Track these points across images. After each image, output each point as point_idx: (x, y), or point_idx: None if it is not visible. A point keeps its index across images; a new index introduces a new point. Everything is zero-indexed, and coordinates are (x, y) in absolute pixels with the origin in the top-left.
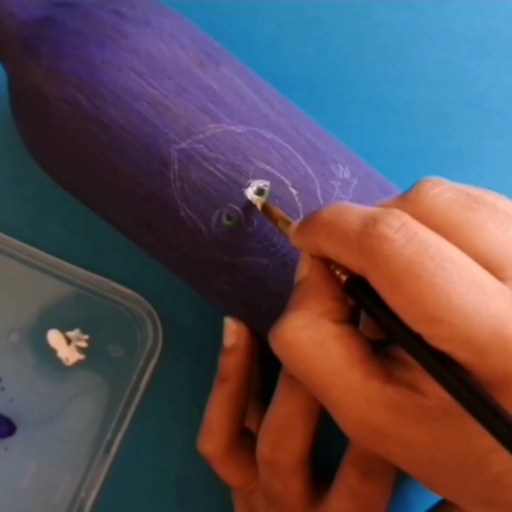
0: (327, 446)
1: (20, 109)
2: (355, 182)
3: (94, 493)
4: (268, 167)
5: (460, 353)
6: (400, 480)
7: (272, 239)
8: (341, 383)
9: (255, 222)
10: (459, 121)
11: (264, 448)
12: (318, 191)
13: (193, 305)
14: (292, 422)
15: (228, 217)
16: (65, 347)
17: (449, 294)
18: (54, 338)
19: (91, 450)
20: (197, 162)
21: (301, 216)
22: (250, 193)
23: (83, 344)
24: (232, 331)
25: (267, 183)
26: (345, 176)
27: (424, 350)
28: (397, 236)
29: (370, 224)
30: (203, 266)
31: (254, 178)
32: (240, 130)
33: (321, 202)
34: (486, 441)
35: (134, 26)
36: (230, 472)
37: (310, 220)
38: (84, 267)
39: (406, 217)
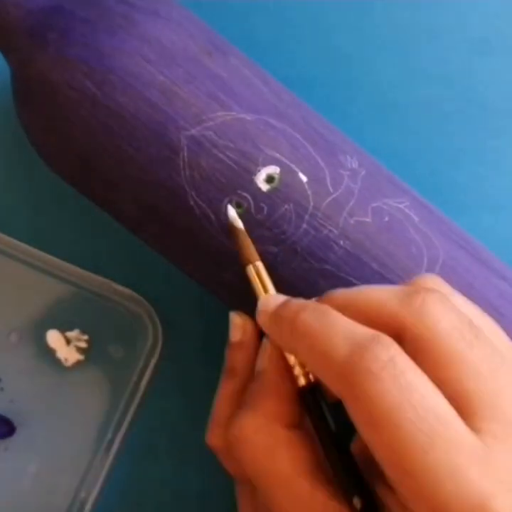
0: None
1: (25, 98)
2: (364, 172)
3: (94, 494)
4: (277, 155)
5: (418, 508)
6: None
7: (282, 226)
8: (286, 491)
9: (265, 209)
10: (459, 121)
11: None
12: (328, 180)
13: (193, 305)
14: None
15: (238, 205)
16: (65, 347)
17: (426, 451)
18: (53, 338)
19: (91, 450)
20: (206, 149)
21: (311, 205)
22: (260, 180)
23: (83, 344)
24: (238, 326)
25: (277, 170)
26: (354, 165)
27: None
28: (383, 374)
29: (356, 353)
30: (210, 256)
31: (264, 165)
32: (249, 118)
33: (331, 190)
34: None
35: (143, 15)
36: (236, 466)
37: (291, 316)
38: (84, 267)
39: (395, 350)
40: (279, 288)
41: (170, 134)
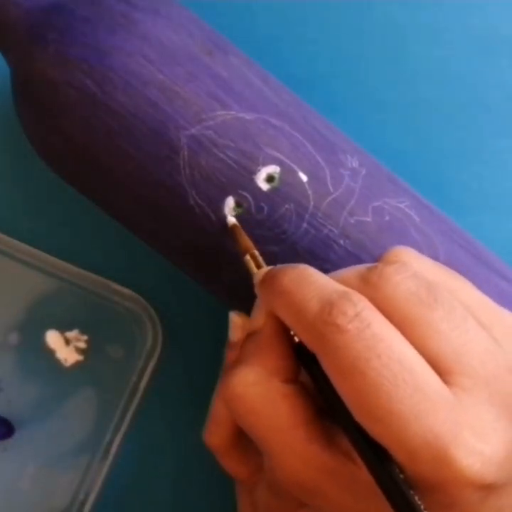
0: None
1: (25, 97)
2: (364, 171)
3: (93, 495)
4: (278, 154)
5: (393, 452)
6: None
7: (282, 226)
8: (283, 441)
9: (265, 209)
10: (459, 121)
11: None
12: (328, 179)
13: (193, 305)
14: None
15: (238, 205)
16: (64, 348)
17: (391, 396)
18: (53, 338)
19: (90, 451)
20: (207, 148)
21: (312, 205)
22: (260, 179)
23: (82, 345)
24: (238, 326)
25: (277, 169)
26: (354, 164)
27: (357, 435)
28: (349, 326)
29: (326, 309)
30: (210, 255)
31: (264, 164)
32: (249, 117)
33: (331, 189)
34: None
35: (143, 14)
36: (234, 464)
37: (271, 279)
38: (84, 267)
39: (363, 304)
40: None
41: (170, 133)
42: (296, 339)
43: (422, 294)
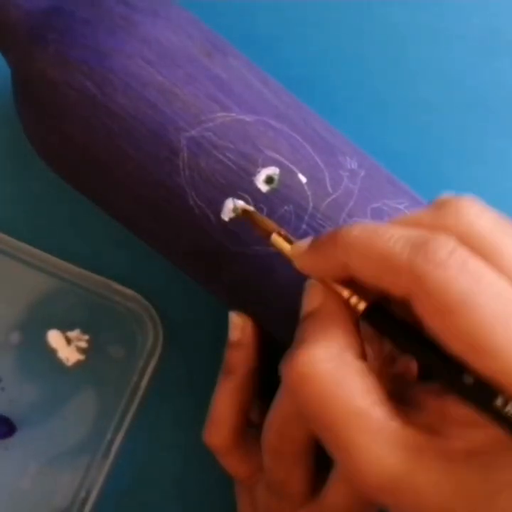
0: None
1: (25, 98)
2: (363, 173)
3: (94, 494)
4: (277, 156)
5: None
6: None
7: (281, 227)
8: (361, 423)
9: (264, 210)
10: (459, 122)
11: (269, 436)
12: (327, 180)
13: (193, 305)
14: (298, 412)
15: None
16: (65, 347)
17: (506, 327)
18: (54, 338)
19: (91, 450)
20: (206, 150)
21: (311, 206)
22: (260, 181)
23: (83, 344)
24: (237, 326)
25: (277, 171)
26: (353, 166)
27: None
28: (450, 263)
29: (420, 247)
30: (210, 256)
31: (264, 166)
32: (249, 119)
33: (330, 191)
34: (502, 477)
35: (142, 16)
36: (235, 464)
37: (332, 239)
38: (84, 267)
39: (454, 243)
40: (278, 289)
41: (169, 135)
42: (362, 306)
43: (502, 223)
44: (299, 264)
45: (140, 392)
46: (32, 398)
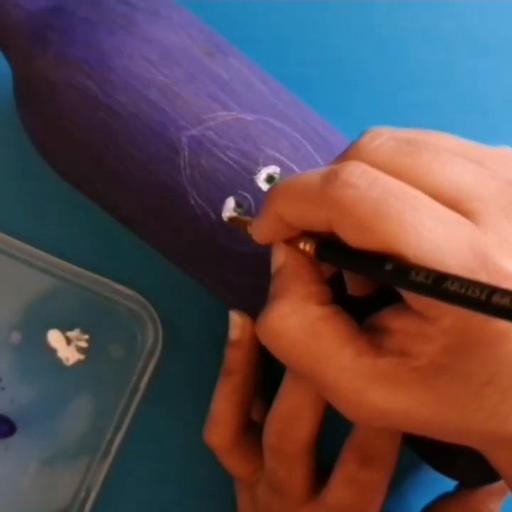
0: (330, 437)
1: (27, 98)
2: None
3: (94, 493)
4: (278, 155)
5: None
6: (397, 476)
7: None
8: (335, 365)
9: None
10: (459, 122)
11: (270, 436)
12: None
13: (194, 305)
14: (299, 412)
15: (238, 205)
16: (65, 347)
17: (419, 230)
18: (54, 338)
19: (91, 450)
20: (207, 149)
21: None
22: (260, 180)
23: (83, 344)
24: (238, 325)
25: (277, 170)
26: None
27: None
28: (360, 181)
29: (331, 175)
30: (210, 255)
31: (264, 165)
32: (249, 118)
33: None
34: (478, 377)
35: (143, 15)
36: (235, 463)
37: (266, 198)
38: (84, 267)
39: (364, 166)
40: None
41: (170, 134)
42: (312, 247)
43: (403, 147)
44: (256, 236)
45: (140, 392)
46: (32, 398)
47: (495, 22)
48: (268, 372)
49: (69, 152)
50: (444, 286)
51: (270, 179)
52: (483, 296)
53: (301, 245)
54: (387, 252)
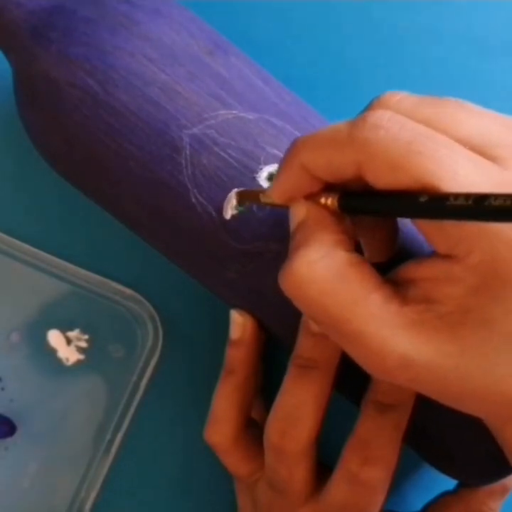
0: (330, 437)
1: (28, 97)
2: None
3: (94, 493)
4: (279, 153)
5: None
6: (397, 476)
7: (283, 224)
8: (362, 311)
9: (267, 207)
10: None
11: (271, 435)
12: None
13: (194, 305)
14: (300, 410)
15: (240, 203)
16: (65, 347)
17: (453, 166)
18: (54, 338)
19: (91, 450)
20: (208, 147)
21: None
22: (262, 178)
23: (83, 344)
24: (239, 324)
25: None
26: None
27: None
28: (390, 124)
29: (359, 121)
30: (211, 254)
31: (266, 163)
32: (250, 117)
33: None
34: (502, 325)
35: (144, 14)
36: (236, 462)
37: (287, 153)
38: (84, 267)
39: (391, 112)
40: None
41: (172, 133)
42: (335, 200)
43: (427, 100)
44: (276, 195)
45: (140, 392)
46: (32, 398)
47: (495, 22)
48: (268, 372)
49: (69, 151)
50: (486, 203)
51: (271, 178)
52: None
53: (322, 200)
54: (420, 188)
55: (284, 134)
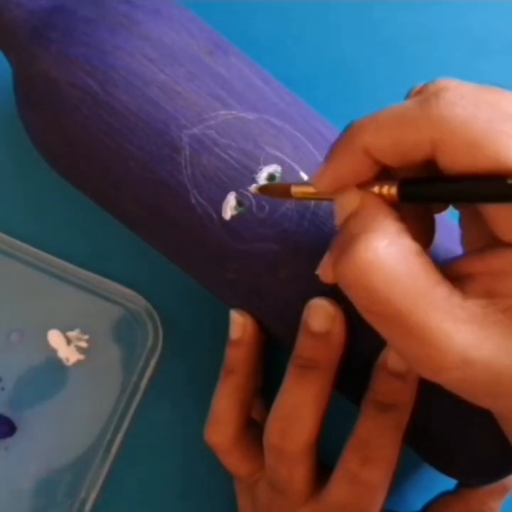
0: (330, 437)
1: (27, 97)
2: None
3: (94, 493)
4: (279, 153)
5: None
6: (397, 476)
7: (283, 224)
8: (428, 302)
9: (266, 208)
10: None
11: (271, 435)
12: None
13: (194, 305)
14: (300, 410)
15: (239, 203)
16: (65, 347)
17: None
18: (54, 338)
19: (91, 450)
20: (208, 148)
21: (312, 203)
22: (261, 178)
23: (83, 344)
24: (238, 324)
25: (278, 168)
26: None
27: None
28: (464, 102)
29: (431, 98)
30: (211, 254)
31: (265, 164)
32: (250, 117)
33: None
34: None
35: (144, 14)
36: (236, 462)
37: (340, 138)
38: (84, 267)
39: (461, 90)
40: (280, 287)
41: (172, 133)
42: (393, 188)
43: (486, 87)
44: (324, 184)
45: (140, 392)
46: (32, 398)
47: (495, 22)
48: (268, 372)
49: (69, 151)
50: None
51: (271, 178)
52: None
53: (377, 189)
54: (496, 171)
55: (283, 134)
